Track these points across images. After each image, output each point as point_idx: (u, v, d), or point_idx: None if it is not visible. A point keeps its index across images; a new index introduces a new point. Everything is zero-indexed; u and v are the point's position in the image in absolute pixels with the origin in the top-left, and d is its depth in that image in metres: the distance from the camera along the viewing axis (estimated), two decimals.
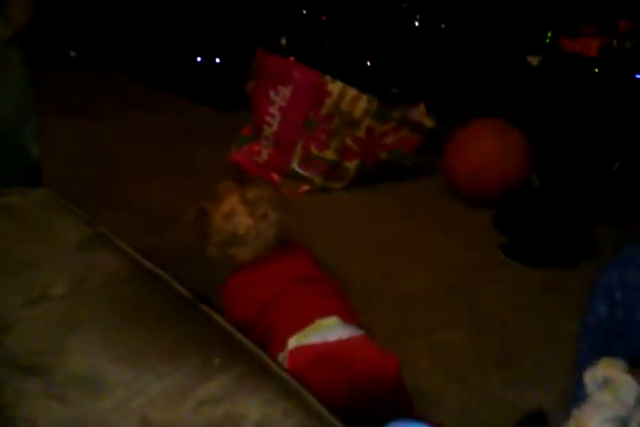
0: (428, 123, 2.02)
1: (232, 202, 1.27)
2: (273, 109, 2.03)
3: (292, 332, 1.11)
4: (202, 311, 0.88)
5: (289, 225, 1.28)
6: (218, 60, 2.68)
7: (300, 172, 2.04)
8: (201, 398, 0.70)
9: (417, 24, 2.17)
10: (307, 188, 2.05)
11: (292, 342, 1.11)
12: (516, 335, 1.48)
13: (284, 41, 2.49)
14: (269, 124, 2.05)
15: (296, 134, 2.01)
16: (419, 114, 2.03)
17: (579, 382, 0.99)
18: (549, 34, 2.00)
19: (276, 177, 2.07)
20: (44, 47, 2.81)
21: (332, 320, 1.13)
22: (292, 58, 2.29)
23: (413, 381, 1.31)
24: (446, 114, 2.12)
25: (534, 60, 2.00)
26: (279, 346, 1.11)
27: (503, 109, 2.01)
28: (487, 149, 1.89)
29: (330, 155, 2.00)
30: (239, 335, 0.83)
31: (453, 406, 1.27)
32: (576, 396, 1.01)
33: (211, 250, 1.27)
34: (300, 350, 1.09)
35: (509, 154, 1.87)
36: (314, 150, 2.00)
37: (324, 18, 2.36)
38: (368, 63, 2.24)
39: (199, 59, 2.75)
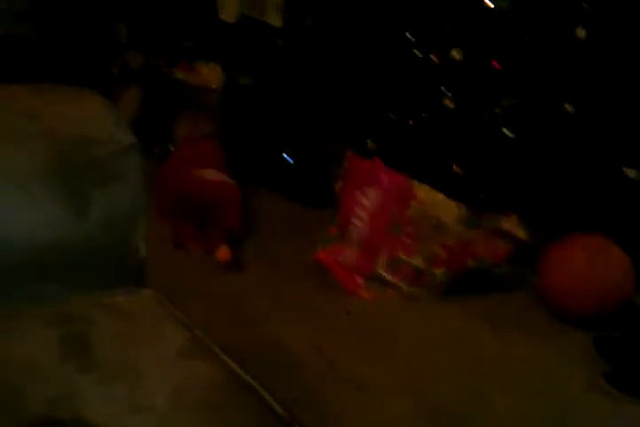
0: (520, 234, 1.99)
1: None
2: (359, 211, 2.06)
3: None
4: None
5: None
6: (306, 159, 2.78)
7: (386, 276, 2.01)
8: None
9: (509, 134, 2.19)
10: (391, 293, 2.02)
11: None
12: None
13: (371, 144, 2.57)
14: (355, 226, 2.07)
15: (382, 237, 2.01)
16: (510, 223, 2.00)
17: None
18: None
19: (360, 280, 2.05)
20: (145, 140, 3.00)
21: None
22: (378, 160, 2.34)
23: None
24: (540, 225, 2.08)
25: (632, 173, 1.96)
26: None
27: (602, 224, 1.95)
28: (583, 267, 1.82)
29: (417, 260, 1.98)
30: None
31: None
32: None
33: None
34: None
35: (608, 273, 1.80)
36: (400, 255, 1.99)
37: (411, 122, 2.43)
38: (456, 168, 2.25)
39: (287, 156, 2.87)
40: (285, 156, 2.87)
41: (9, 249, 0.99)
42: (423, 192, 1.94)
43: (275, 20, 3.15)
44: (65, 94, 1.18)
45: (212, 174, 2.38)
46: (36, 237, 1.01)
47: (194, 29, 3.29)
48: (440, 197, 1.93)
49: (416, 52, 2.41)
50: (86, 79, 3.41)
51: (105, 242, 1.09)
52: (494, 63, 2.27)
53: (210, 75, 3.21)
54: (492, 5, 2.27)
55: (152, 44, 3.40)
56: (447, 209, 1.93)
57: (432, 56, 2.35)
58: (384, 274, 2.02)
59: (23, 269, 1.01)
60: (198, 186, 2.30)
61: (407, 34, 2.46)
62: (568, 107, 2.18)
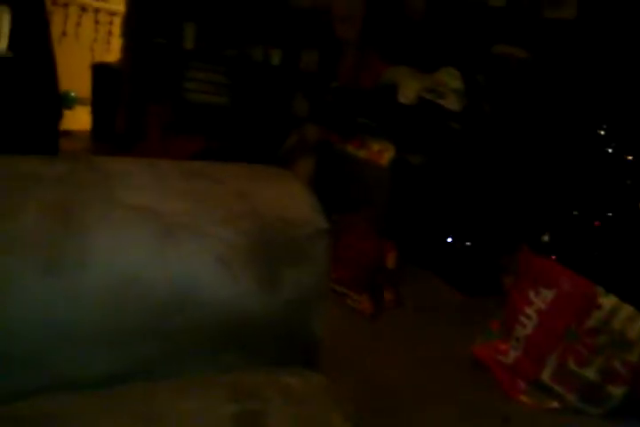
0: None
1: None
2: (530, 311, 1.94)
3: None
4: None
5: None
6: (474, 246, 2.71)
7: (551, 385, 1.86)
8: None
9: None
10: (555, 404, 1.85)
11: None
12: None
13: (546, 238, 2.44)
14: (523, 326, 1.95)
15: (552, 343, 1.87)
16: None
17: None
18: None
19: (521, 384, 1.91)
20: None
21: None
22: (555, 259, 2.21)
23: None
24: None
25: None
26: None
27: None
28: None
29: (590, 373, 1.80)
30: None
31: None
32: None
33: None
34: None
35: None
36: (571, 365, 1.83)
37: (597, 224, 2.28)
38: None
39: (453, 241, 2.81)
40: (451, 240, 2.83)
41: (200, 317, 1.04)
42: (609, 302, 1.79)
43: (453, 103, 3.20)
44: (269, 175, 1.25)
45: (375, 244, 2.57)
46: (226, 309, 1.05)
47: (371, 108, 3.43)
48: (628, 309, 1.77)
49: (607, 149, 2.30)
50: (266, 146, 3.69)
51: (287, 320, 1.10)
52: None
53: (380, 152, 3.31)
54: None
55: (330, 119, 3.59)
56: (634, 323, 1.76)
57: (626, 155, 2.23)
58: (549, 382, 1.86)
59: (209, 338, 1.05)
60: (370, 255, 2.50)
61: (599, 130, 2.37)
62: None
